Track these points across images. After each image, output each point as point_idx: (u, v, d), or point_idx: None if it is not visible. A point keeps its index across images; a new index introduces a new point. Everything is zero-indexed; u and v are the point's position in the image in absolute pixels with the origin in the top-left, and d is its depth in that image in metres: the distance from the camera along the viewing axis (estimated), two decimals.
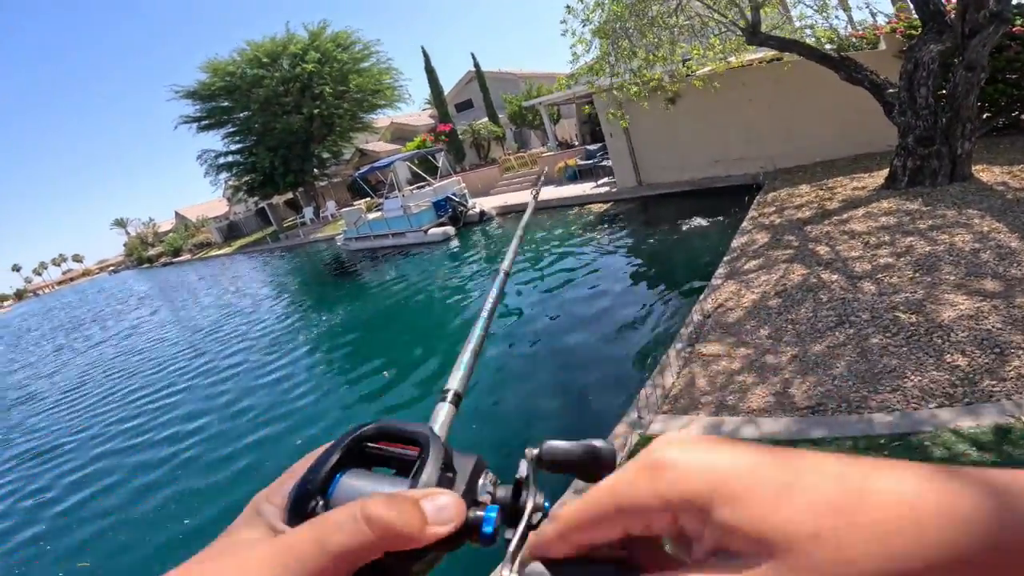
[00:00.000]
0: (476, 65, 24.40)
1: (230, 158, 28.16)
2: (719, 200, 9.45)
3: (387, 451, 0.31)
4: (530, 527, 0.27)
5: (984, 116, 7.27)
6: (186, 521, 4.28)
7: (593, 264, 8.52)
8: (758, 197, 8.22)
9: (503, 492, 0.29)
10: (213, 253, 33.05)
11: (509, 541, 0.26)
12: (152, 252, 44.72)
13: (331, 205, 26.40)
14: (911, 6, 6.06)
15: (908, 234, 4.85)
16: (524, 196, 16.28)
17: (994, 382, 2.73)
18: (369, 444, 0.31)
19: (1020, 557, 0.17)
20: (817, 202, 6.87)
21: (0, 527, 5.12)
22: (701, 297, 4.98)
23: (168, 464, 5.42)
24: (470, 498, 0.28)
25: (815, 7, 7.71)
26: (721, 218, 8.57)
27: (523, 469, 0.29)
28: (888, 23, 8.70)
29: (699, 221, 8.90)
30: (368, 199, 19.82)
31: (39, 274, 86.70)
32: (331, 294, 12.43)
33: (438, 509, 0.25)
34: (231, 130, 27.06)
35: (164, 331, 13.35)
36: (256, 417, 5.96)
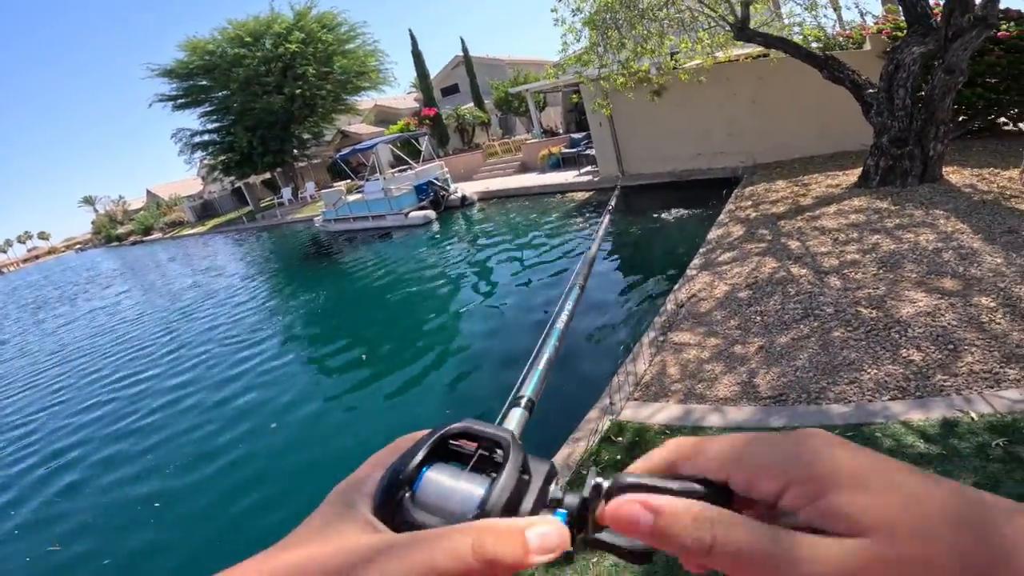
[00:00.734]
0: (465, 50, 24.04)
1: (206, 137, 27.30)
2: (698, 192, 9.58)
3: (463, 449, 0.32)
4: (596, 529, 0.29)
5: (960, 119, 7.46)
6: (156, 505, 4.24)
7: (571, 250, 8.60)
8: (736, 191, 8.35)
9: (571, 499, 0.30)
10: (185, 232, 32.18)
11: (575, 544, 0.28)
12: (121, 230, 43.28)
13: (310, 186, 25.86)
14: (900, 7, 6.15)
15: (875, 232, 4.99)
16: (506, 182, 16.24)
17: (946, 377, 2.85)
18: (450, 441, 0.32)
19: None
20: (792, 198, 7.01)
21: None
22: (675, 287, 5.07)
23: (134, 449, 5.33)
24: (541, 502, 0.29)
25: (804, 5, 7.78)
26: (699, 210, 8.69)
27: (591, 477, 0.30)
28: (875, 23, 8.83)
29: (678, 212, 9.02)
30: (348, 181, 19.49)
31: (3, 252, 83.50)
32: (307, 275, 12.27)
33: (541, 538, 0.26)
34: (208, 109, 26.18)
35: (127, 312, 12.99)
36: (229, 400, 5.89)
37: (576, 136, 16.02)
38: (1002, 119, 8.00)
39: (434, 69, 26.35)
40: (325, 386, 5.92)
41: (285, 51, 23.21)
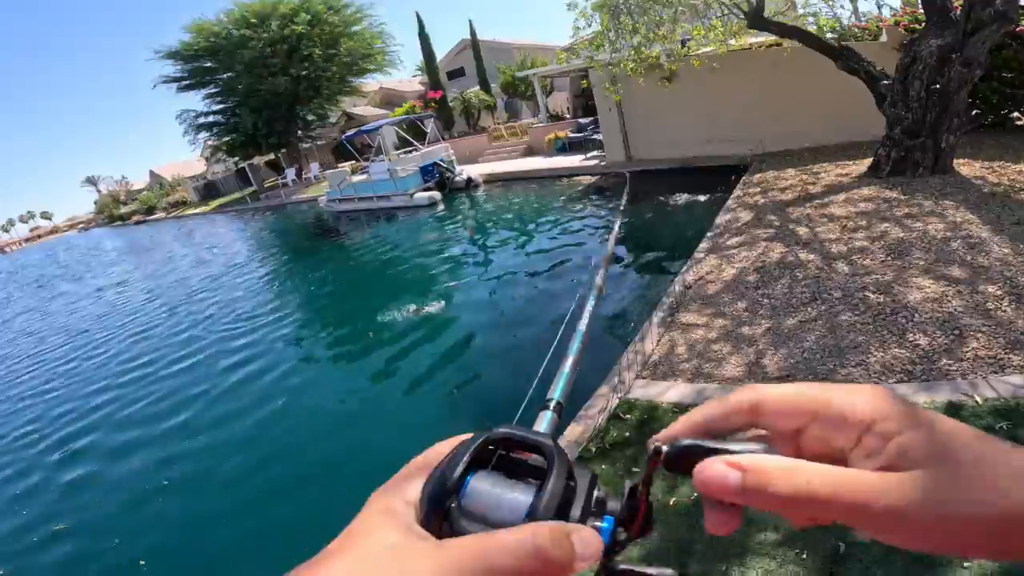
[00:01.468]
0: (472, 33, 23.74)
1: (211, 118, 27.18)
2: (706, 178, 9.55)
3: (503, 455, 0.31)
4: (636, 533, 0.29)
5: (974, 112, 7.42)
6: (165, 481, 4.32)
7: (577, 230, 8.64)
8: (744, 177, 8.33)
9: (613, 504, 0.30)
10: (189, 212, 32.12)
11: (620, 544, 0.29)
12: (125, 210, 43.13)
13: (314, 167, 25.75)
14: (918, 1, 6.10)
15: (884, 220, 5.01)
16: (512, 165, 16.19)
17: (951, 362, 2.89)
18: (491, 447, 0.31)
19: None
20: (801, 186, 7.01)
21: None
22: (683, 269, 5.10)
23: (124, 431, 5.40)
24: (588, 509, 0.29)
25: None
26: (707, 196, 8.69)
27: (626, 486, 0.30)
28: (892, 16, 8.74)
29: (685, 197, 9.02)
30: (353, 162, 19.42)
31: (7, 231, 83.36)
32: (312, 253, 12.30)
33: (584, 544, 0.26)
34: (213, 90, 26.03)
35: (130, 294, 12.98)
36: (236, 381, 5.96)
37: (583, 121, 15.92)
38: (1015, 113, 7.96)
39: (440, 52, 26.09)
40: (331, 371, 5.93)
41: (291, 32, 22.97)
